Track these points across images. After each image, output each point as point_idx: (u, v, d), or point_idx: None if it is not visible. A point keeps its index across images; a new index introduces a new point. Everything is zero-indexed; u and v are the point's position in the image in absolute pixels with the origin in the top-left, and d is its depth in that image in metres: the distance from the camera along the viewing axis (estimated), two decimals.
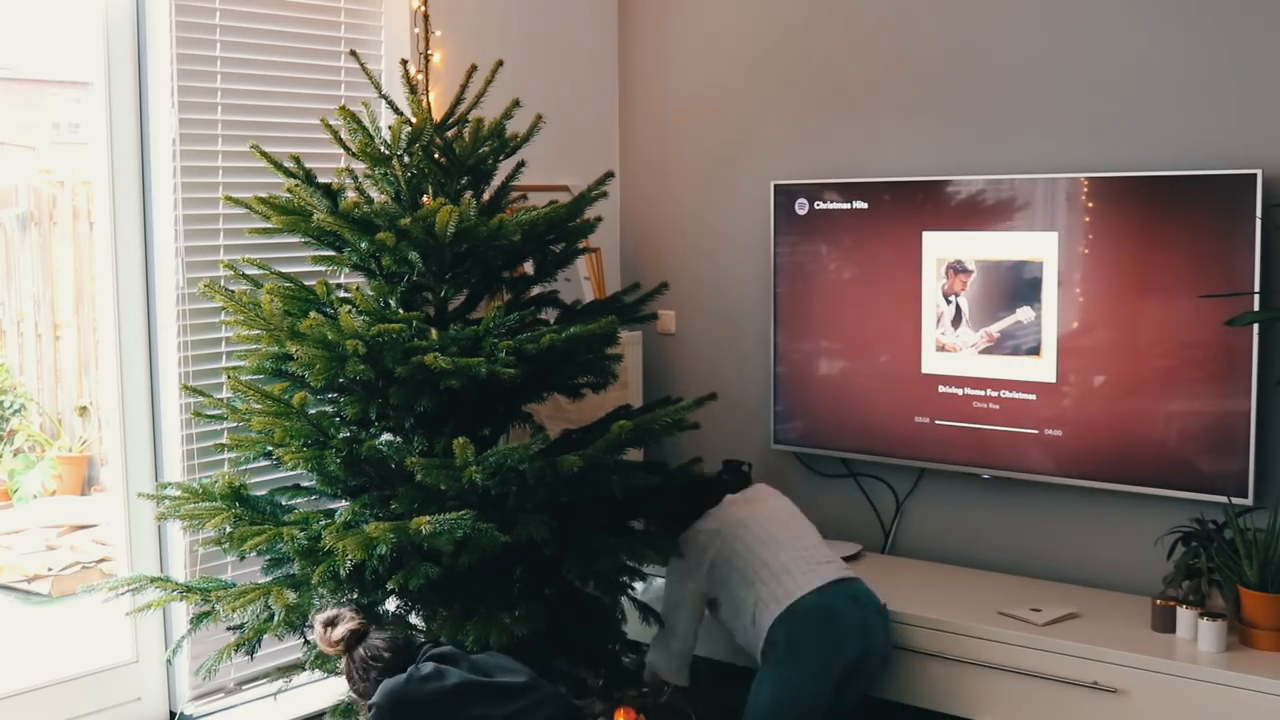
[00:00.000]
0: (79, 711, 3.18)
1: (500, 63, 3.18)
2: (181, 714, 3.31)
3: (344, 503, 2.98)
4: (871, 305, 3.83)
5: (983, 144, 3.74)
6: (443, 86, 3.24)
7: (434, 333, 3.01)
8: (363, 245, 2.98)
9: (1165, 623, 3.20)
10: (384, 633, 2.61)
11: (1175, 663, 3.03)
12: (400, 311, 3.00)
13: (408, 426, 3.04)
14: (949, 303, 3.65)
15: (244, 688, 3.41)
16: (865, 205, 3.83)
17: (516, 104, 3.18)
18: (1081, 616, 3.33)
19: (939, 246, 3.69)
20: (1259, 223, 3.18)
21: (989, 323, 3.62)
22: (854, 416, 3.88)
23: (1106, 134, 3.53)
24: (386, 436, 3.06)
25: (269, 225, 3.08)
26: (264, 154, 3.09)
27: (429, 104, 3.16)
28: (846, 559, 3.84)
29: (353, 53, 3.29)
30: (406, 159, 3.06)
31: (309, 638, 3.01)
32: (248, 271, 3.16)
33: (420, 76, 3.20)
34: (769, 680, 3.22)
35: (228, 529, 2.90)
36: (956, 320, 3.65)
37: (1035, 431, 3.57)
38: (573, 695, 3.21)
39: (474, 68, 3.15)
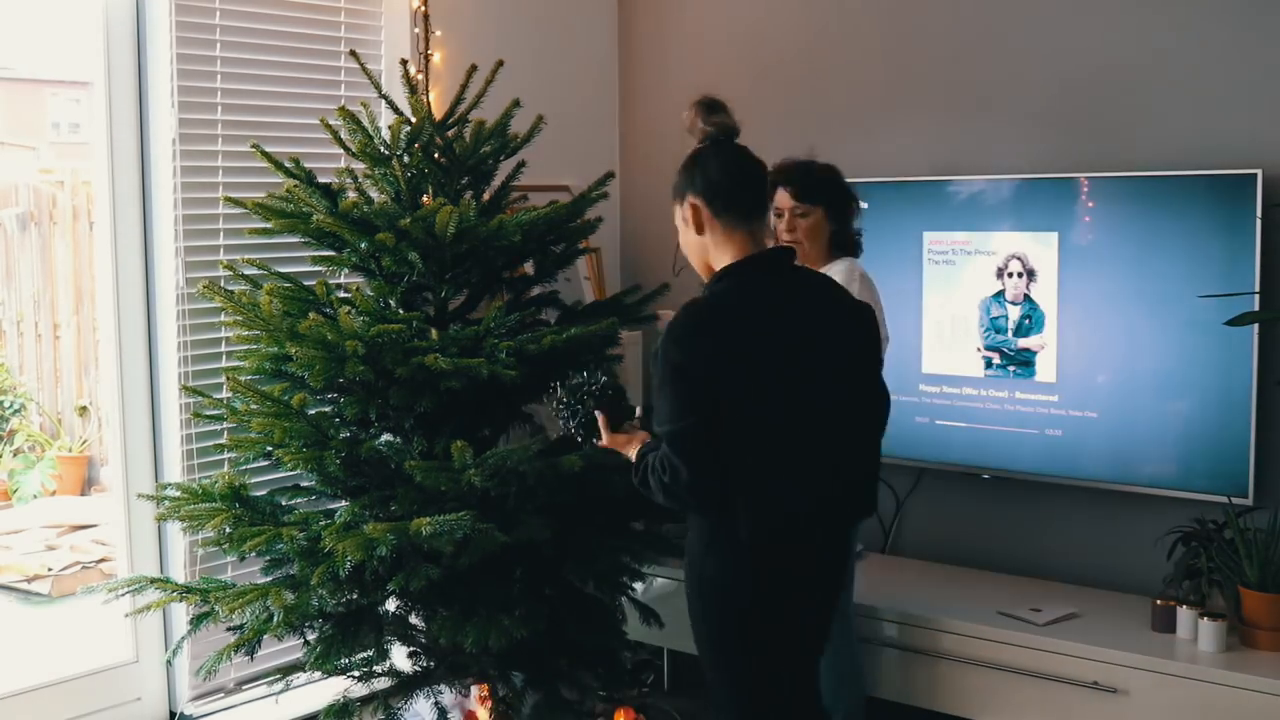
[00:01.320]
0: (79, 711, 3.19)
1: (500, 63, 3.17)
2: (181, 714, 3.31)
3: (344, 503, 2.99)
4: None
5: (983, 144, 3.74)
6: (443, 86, 3.25)
7: (434, 333, 3.01)
8: (362, 246, 2.98)
9: (1165, 623, 3.20)
10: None
11: (1175, 663, 3.03)
12: (400, 312, 3.00)
13: (408, 427, 3.04)
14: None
15: (244, 688, 3.41)
16: (865, 205, 3.83)
17: (517, 104, 3.18)
18: (1081, 616, 3.33)
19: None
20: (1259, 223, 3.18)
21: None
22: None
23: (1106, 134, 3.53)
24: (386, 437, 3.06)
25: (269, 226, 3.08)
26: (264, 154, 3.09)
27: (429, 104, 3.16)
28: None
29: (353, 53, 3.28)
30: (406, 159, 3.06)
31: (308, 638, 3.01)
32: (247, 272, 3.16)
33: (420, 76, 3.21)
34: None
35: (227, 529, 2.90)
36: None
37: (1035, 431, 3.57)
38: (573, 695, 3.21)
39: (474, 68, 3.15)
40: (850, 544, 2.54)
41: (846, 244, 3.20)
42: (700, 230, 2.37)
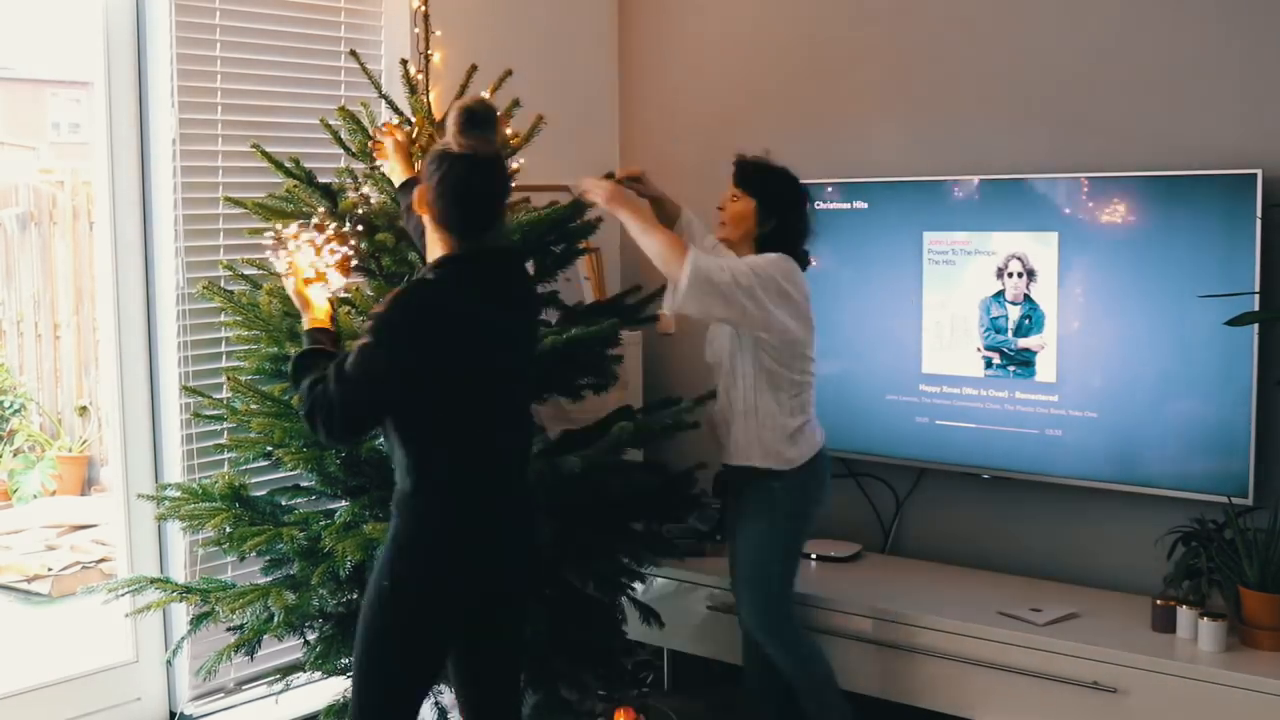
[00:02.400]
0: (79, 711, 3.19)
1: (508, 73, 3.18)
2: (181, 714, 3.31)
3: (344, 503, 2.99)
4: (871, 305, 3.83)
5: (983, 144, 3.74)
6: (443, 86, 3.24)
7: None
8: (362, 246, 2.98)
9: (1165, 623, 3.20)
10: None
11: (1175, 663, 3.03)
12: None
13: None
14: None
15: (244, 688, 3.41)
16: (865, 205, 3.83)
17: (516, 104, 3.18)
18: (1081, 616, 3.33)
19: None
20: (1259, 223, 3.18)
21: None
22: (854, 416, 3.88)
23: (1106, 134, 3.53)
24: None
25: (269, 226, 3.08)
26: (265, 154, 3.09)
27: (429, 104, 3.16)
28: (846, 559, 3.85)
29: (353, 53, 3.28)
30: None
31: (308, 637, 3.01)
32: (247, 272, 3.17)
33: (420, 76, 3.20)
34: (784, 536, 3.12)
35: (227, 529, 2.90)
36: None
37: (1035, 431, 3.57)
38: (573, 695, 3.21)
39: (474, 68, 3.16)
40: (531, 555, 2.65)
41: (780, 246, 3.09)
42: (420, 211, 2.46)
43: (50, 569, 4.98)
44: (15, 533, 5.36)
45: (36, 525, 5.44)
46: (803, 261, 3.13)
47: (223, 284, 3.13)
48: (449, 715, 3.20)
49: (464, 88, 3.15)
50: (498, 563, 2.48)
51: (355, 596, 2.94)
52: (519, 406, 2.58)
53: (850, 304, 3.87)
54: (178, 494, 3.01)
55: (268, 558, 3.00)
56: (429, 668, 2.50)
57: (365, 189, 3.05)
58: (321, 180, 3.14)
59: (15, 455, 6.23)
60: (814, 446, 3.13)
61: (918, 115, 3.86)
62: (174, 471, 3.26)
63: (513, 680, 2.63)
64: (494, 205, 2.46)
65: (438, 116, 3.13)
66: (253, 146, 3.12)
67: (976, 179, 3.65)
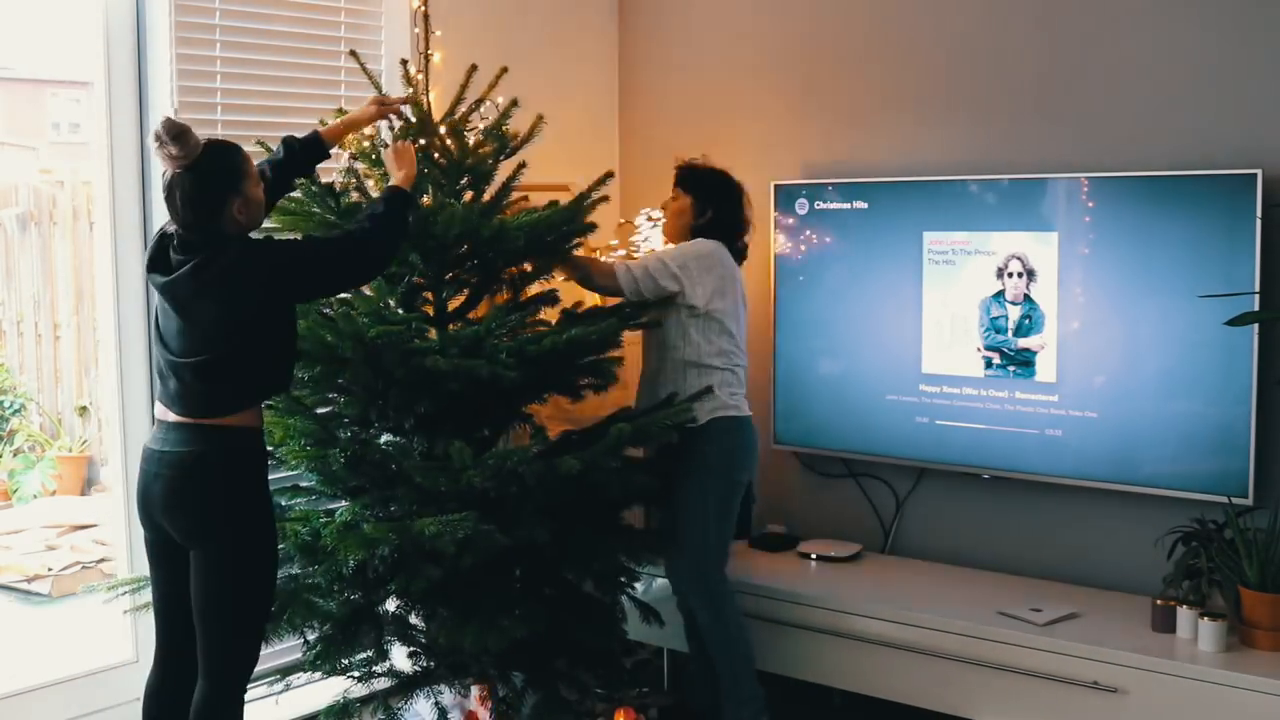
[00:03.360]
0: (79, 711, 3.18)
1: (504, 70, 3.18)
2: None
3: (344, 503, 2.99)
4: (872, 305, 3.83)
5: (983, 144, 3.74)
6: (443, 86, 3.24)
7: (433, 333, 3.01)
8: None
9: (1165, 623, 3.20)
10: None
11: (1175, 663, 3.03)
12: (400, 312, 3.00)
13: (408, 427, 3.04)
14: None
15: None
16: (865, 205, 3.83)
17: (515, 104, 3.18)
18: (1081, 616, 3.33)
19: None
20: (1259, 223, 3.18)
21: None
22: (854, 416, 3.88)
23: (1106, 134, 3.53)
24: (386, 437, 3.06)
25: (269, 225, 3.08)
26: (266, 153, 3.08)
27: (429, 104, 3.16)
28: (846, 559, 3.85)
29: (352, 53, 3.28)
30: None
31: (308, 637, 3.01)
32: None
33: (420, 76, 3.20)
34: (713, 489, 3.34)
35: None
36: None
37: (1035, 431, 3.57)
38: (573, 695, 3.21)
39: (474, 67, 3.16)
40: None
41: (713, 234, 3.43)
42: None
43: (50, 569, 4.98)
44: (15, 533, 5.37)
45: (36, 525, 5.45)
46: (739, 254, 3.48)
47: None
48: (449, 715, 3.21)
49: (464, 88, 3.15)
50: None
51: (357, 595, 2.95)
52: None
53: (850, 304, 3.87)
54: None
55: None
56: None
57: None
58: (323, 180, 3.14)
59: (15, 455, 6.23)
60: (744, 410, 3.41)
61: (918, 115, 3.86)
62: None
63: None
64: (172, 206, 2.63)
65: (437, 117, 3.13)
66: (258, 143, 3.12)
67: (976, 179, 3.65)
